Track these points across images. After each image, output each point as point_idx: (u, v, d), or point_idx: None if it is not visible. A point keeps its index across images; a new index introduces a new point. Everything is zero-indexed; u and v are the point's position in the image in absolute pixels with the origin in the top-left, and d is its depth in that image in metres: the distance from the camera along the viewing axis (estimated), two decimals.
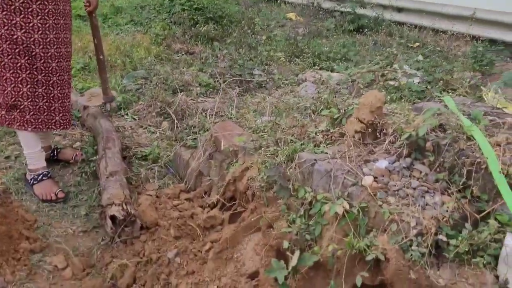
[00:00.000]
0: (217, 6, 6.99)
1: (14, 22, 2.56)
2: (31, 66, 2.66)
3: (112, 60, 5.21)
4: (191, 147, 3.30)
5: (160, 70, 4.97)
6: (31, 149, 2.97)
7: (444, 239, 1.63)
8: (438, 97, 3.14)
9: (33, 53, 2.64)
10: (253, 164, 2.47)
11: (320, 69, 5.32)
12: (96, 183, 3.18)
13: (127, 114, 4.22)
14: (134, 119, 4.17)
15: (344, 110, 2.38)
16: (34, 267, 2.54)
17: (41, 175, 3.01)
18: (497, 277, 1.57)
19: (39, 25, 2.62)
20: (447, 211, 1.70)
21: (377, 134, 2.22)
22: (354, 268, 1.82)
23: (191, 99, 4.31)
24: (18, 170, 3.31)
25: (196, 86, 4.64)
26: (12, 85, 2.69)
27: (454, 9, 6.27)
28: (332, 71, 5.23)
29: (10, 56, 2.62)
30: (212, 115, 3.79)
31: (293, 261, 1.85)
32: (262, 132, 2.79)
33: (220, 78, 4.83)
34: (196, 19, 6.68)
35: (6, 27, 2.56)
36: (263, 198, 2.27)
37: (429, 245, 1.62)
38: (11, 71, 2.65)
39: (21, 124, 2.80)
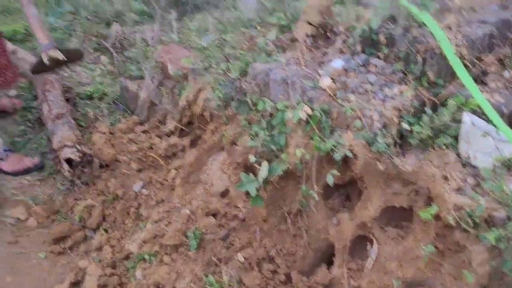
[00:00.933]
0: None
1: None
2: None
3: None
4: (137, 78, 3.15)
5: (87, 1, 4.60)
6: None
7: (407, 127, 1.66)
8: None
9: None
10: (206, 85, 2.39)
11: None
12: (43, 129, 3.01)
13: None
14: None
15: (292, 15, 2.30)
16: None
17: (4, 153, 2.72)
18: (458, 155, 1.63)
19: None
20: (406, 100, 1.72)
21: (329, 35, 2.17)
22: (323, 170, 1.84)
23: (127, 29, 4.07)
24: None
25: (130, 13, 4.37)
26: None
27: None
28: None
29: None
30: (153, 43, 3.61)
31: (263, 172, 1.84)
32: (209, 50, 2.68)
33: (154, 3, 4.56)
34: None
35: None
36: (222, 116, 2.22)
37: (393, 135, 1.65)
38: None
39: None
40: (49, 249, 2.28)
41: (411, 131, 1.67)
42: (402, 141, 1.70)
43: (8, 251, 2.28)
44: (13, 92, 3.50)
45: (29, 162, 2.70)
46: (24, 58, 3.41)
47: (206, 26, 3.45)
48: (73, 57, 2.95)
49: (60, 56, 2.64)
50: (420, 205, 1.61)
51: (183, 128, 2.62)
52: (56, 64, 2.75)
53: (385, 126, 1.67)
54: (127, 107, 3.21)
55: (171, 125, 2.70)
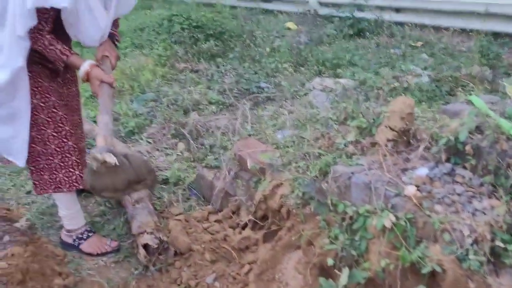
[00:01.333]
0: (216, 22, 7.00)
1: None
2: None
3: (120, 85, 5.19)
4: (214, 167, 3.27)
5: (168, 91, 4.96)
6: (70, 209, 2.79)
7: (501, 245, 1.60)
8: (468, 96, 3.09)
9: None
10: (284, 181, 2.44)
11: (327, 76, 5.32)
12: (121, 211, 3.15)
13: (141, 139, 4.19)
14: (149, 142, 4.14)
15: (373, 119, 2.35)
16: None
17: (86, 232, 2.84)
18: None
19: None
20: (498, 215, 1.67)
21: (410, 141, 2.20)
22: (407, 281, 1.78)
23: (203, 117, 4.30)
24: (42, 204, 3.29)
25: (206, 104, 4.63)
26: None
27: (453, 5, 6.27)
28: (338, 77, 5.22)
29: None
30: (227, 132, 3.78)
31: (343, 279, 1.81)
32: (287, 147, 2.76)
33: (229, 94, 4.83)
34: (196, 37, 6.70)
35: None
36: (299, 215, 2.24)
37: (486, 253, 1.59)
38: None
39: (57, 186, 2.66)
40: None
41: (505, 249, 1.61)
42: (495, 258, 1.62)
43: None
44: None
45: (107, 245, 2.80)
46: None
47: (281, 120, 3.58)
48: (139, 171, 2.30)
49: (112, 160, 2.12)
50: None
51: (257, 221, 2.65)
52: (129, 181, 2.29)
53: (476, 242, 1.61)
54: (201, 194, 3.32)
55: (245, 217, 2.74)
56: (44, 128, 2.55)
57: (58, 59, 2.43)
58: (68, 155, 2.62)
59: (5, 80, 2.37)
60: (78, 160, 2.66)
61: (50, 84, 2.57)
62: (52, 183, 2.65)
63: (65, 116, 2.60)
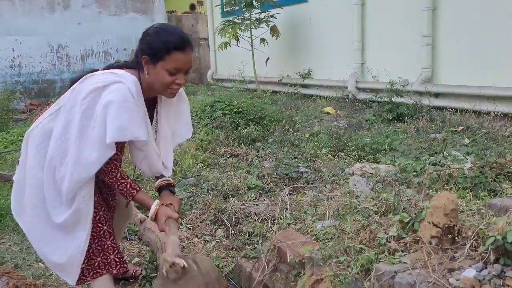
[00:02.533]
0: (256, 107, 7.24)
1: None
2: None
3: None
4: (252, 257, 3.24)
5: (208, 175, 5.06)
6: None
7: None
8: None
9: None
10: (325, 277, 2.37)
11: (366, 161, 5.30)
12: None
13: (181, 224, 4.23)
14: (189, 228, 4.17)
15: (415, 214, 2.30)
16: None
17: None
18: None
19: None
20: None
21: (456, 238, 2.12)
22: None
23: (242, 203, 4.32)
24: None
25: (246, 190, 4.67)
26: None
27: (494, 90, 6.26)
28: (378, 162, 5.20)
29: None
30: (266, 219, 3.77)
31: None
32: (327, 239, 2.72)
33: (268, 179, 4.87)
34: (237, 122, 6.92)
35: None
36: None
37: None
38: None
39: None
40: None
41: None
42: None
43: None
44: (136, 259, 3.75)
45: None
46: (152, 229, 3.71)
47: (320, 210, 3.56)
48: (209, 277, 2.38)
49: (181, 262, 2.25)
50: None
51: None
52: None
53: None
54: (240, 285, 3.25)
55: None
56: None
57: (127, 193, 2.61)
58: (103, 239, 2.70)
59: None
60: (113, 244, 2.72)
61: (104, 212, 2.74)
62: (90, 270, 2.68)
63: (104, 215, 2.73)
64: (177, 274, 2.27)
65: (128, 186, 2.58)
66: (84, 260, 2.64)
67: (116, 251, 2.72)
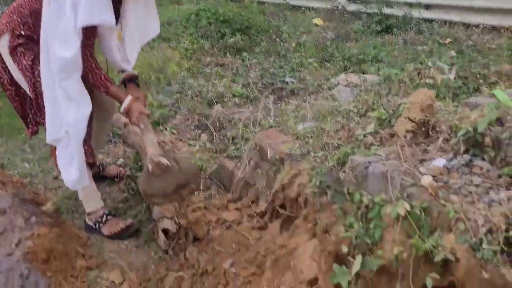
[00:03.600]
0: (243, 17, 7.04)
1: None
2: None
3: (146, 77, 5.29)
4: (235, 157, 3.32)
5: (193, 83, 5.03)
6: (86, 188, 2.88)
7: None
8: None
9: None
10: (302, 171, 2.46)
11: (352, 72, 5.29)
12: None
13: (166, 129, 4.27)
14: (173, 133, 4.22)
15: (393, 111, 2.35)
16: (92, 284, 2.58)
17: (104, 215, 2.94)
18: None
19: None
20: None
21: (429, 132, 2.19)
22: (419, 269, 1.78)
23: (227, 110, 4.34)
24: (67, 189, 3.39)
25: (230, 97, 4.68)
26: None
27: (483, 2, 6.14)
28: (364, 73, 5.19)
29: None
30: (249, 124, 3.81)
31: (356, 266, 1.82)
32: (307, 138, 2.78)
33: (253, 88, 4.87)
34: (223, 31, 6.75)
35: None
36: (316, 204, 2.25)
37: (500, 243, 1.57)
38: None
39: None
40: None
41: None
42: (510, 249, 1.61)
43: None
44: (120, 160, 3.83)
45: (122, 224, 2.88)
46: (136, 132, 3.74)
47: (303, 113, 3.60)
48: (187, 174, 2.59)
49: (165, 161, 2.44)
50: None
51: (275, 210, 2.68)
52: (177, 186, 2.53)
53: (491, 231, 1.60)
54: (222, 184, 3.36)
55: (263, 205, 2.78)
56: None
57: (101, 85, 2.60)
58: None
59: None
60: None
61: None
62: None
63: None
64: (160, 171, 2.45)
65: (102, 77, 2.60)
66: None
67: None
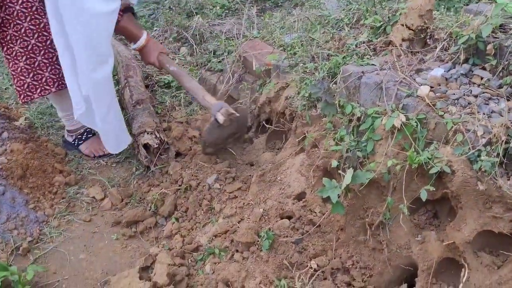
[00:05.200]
0: None
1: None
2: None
3: None
4: (217, 70, 3.15)
5: None
6: (67, 111, 2.70)
7: None
8: None
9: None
10: (290, 82, 2.33)
11: None
12: (123, 113, 3.07)
13: None
14: None
15: (388, 17, 2.19)
16: (72, 200, 2.50)
17: (85, 133, 2.80)
18: None
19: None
20: None
21: (427, 40, 2.05)
22: (412, 182, 1.73)
23: (208, 22, 4.09)
24: (41, 104, 3.22)
25: (211, 8, 4.40)
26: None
27: None
28: None
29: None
30: (232, 37, 3.60)
31: (347, 179, 1.75)
32: (294, 49, 2.61)
33: None
34: None
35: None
36: (305, 117, 2.15)
37: (500, 154, 1.51)
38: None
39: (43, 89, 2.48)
40: (121, 231, 2.31)
41: None
42: (509, 161, 1.55)
43: (83, 229, 2.34)
44: None
45: (105, 149, 2.75)
46: None
47: (288, 24, 3.39)
48: (242, 124, 2.54)
49: (236, 113, 2.34)
50: None
51: (261, 124, 2.58)
52: (229, 135, 2.46)
53: (490, 143, 1.53)
54: None
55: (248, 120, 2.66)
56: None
57: None
58: (32, 55, 2.40)
59: None
60: (45, 61, 2.45)
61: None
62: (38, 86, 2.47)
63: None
64: (230, 122, 2.36)
65: None
66: (14, 81, 2.45)
67: (50, 68, 2.45)
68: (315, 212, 2.00)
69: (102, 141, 2.58)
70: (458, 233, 1.59)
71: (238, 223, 2.10)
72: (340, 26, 2.75)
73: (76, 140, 2.83)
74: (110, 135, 2.54)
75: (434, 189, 1.60)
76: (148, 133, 2.51)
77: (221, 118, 2.31)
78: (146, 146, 2.53)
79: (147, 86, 3.43)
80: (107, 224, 2.37)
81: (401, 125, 1.69)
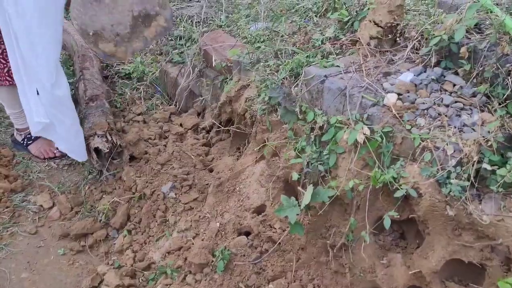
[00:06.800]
0: None
1: None
2: None
3: None
4: (178, 62, 2.93)
5: None
6: (14, 109, 2.49)
7: (488, 167, 1.36)
8: None
9: None
10: (251, 82, 2.14)
11: None
12: (77, 109, 2.85)
13: None
14: None
15: (356, 12, 2.00)
16: (17, 209, 2.31)
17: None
18: None
19: None
20: (489, 132, 1.41)
21: (397, 39, 1.87)
22: (377, 201, 1.58)
23: (174, 4, 3.83)
24: None
25: None
26: None
27: None
28: None
29: None
30: (199, 22, 3.36)
31: (306, 198, 1.59)
32: (258, 42, 2.42)
33: None
34: None
35: None
36: (265, 122, 1.97)
37: (470, 176, 1.35)
38: None
39: None
40: (69, 245, 2.13)
41: (493, 172, 1.38)
42: (480, 183, 1.40)
43: (28, 243, 2.15)
44: None
45: (56, 151, 2.55)
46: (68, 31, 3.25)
47: (257, 9, 3.17)
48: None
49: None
50: (495, 264, 1.33)
51: (221, 126, 2.40)
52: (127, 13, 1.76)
53: (460, 163, 1.38)
54: (165, 91, 3.02)
55: (208, 120, 2.48)
56: None
57: None
58: None
59: None
60: None
61: None
62: None
63: None
64: None
65: None
66: None
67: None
68: (275, 228, 1.84)
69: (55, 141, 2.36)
70: (425, 261, 1.45)
71: (193, 238, 1.94)
72: (309, 16, 2.55)
73: (26, 140, 2.61)
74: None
75: (398, 215, 1.44)
76: (98, 136, 2.31)
77: None
78: (98, 150, 2.33)
79: (106, 77, 3.21)
80: (54, 237, 2.19)
81: (365, 139, 1.52)
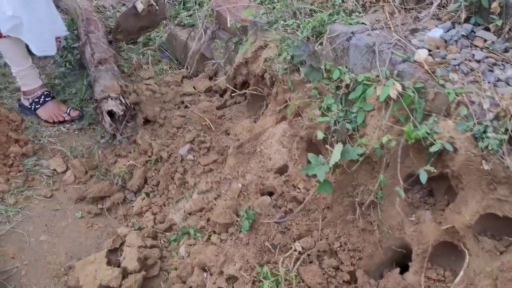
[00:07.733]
0: None
1: None
2: None
3: None
4: (188, 25, 2.86)
5: None
6: (20, 66, 2.44)
7: None
8: None
9: None
10: (270, 42, 2.09)
11: None
12: (83, 72, 2.80)
13: None
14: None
15: None
16: (30, 173, 2.27)
17: (42, 97, 2.54)
18: None
19: None
20: None
21: None
22: (407, 158, 1.57)
23: None
24: None
25: None
26: None
27: None
28: None
29: None
30: None
31: (335, 156, 1.58)
32: (273, 2, 2.36)
33: None
34: None
35: None
36: (287, 82, 1.94)
37: (508, 130, 1.34)
38: None
39: None
40: (86, 208, 2.11)
41: None
42: None
43: (44, 206, 2.13)
44: None
45: (66, 114, 2.51)
46: None
47: None
48: (157, 17, 2.65)
49: (154, 3, 2.48)
50: None
51: (237, 88, 2.36)
52: (141, 27, 2.63)
53: (497, 117, 1.36)
54: (173, 56, 2.96)
55: (222, 83, 2.43)
56: None
57: None
58: None
59: None
60: None
61: None
62: None
63: None
64: (147, 12, 2.50)
65: None
66: None
67: None
68: (299, 188, 1.83)
69: (26, 41, 2.27)
70: (458, 216, 1.45)
71: (215, 199, 1.93)
72: None
73: (33, 104, 2.56)
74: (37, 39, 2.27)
75: (434, 170, 1.44)
76: (112, 99, 2.26)
77: (140, 7, 2.45)
78: (111, 113, 2.29)
79: (110, 42, 3.13)
80: (70, 200, 2.16)
81: (396, 96, 1.50)
